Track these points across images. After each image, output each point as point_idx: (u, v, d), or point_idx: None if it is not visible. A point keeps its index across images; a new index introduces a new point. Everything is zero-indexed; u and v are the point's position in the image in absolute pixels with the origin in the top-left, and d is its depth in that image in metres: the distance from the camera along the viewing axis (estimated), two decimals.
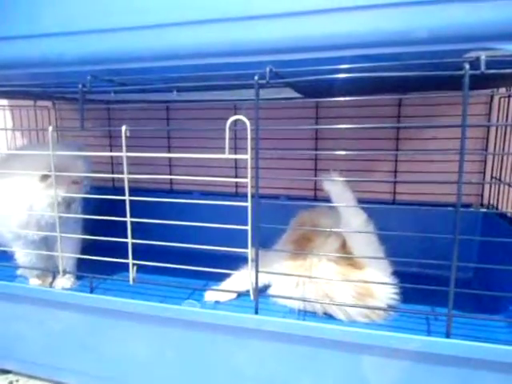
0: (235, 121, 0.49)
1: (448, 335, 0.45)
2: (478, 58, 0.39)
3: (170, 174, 1.17)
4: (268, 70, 0.46)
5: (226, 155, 0.48)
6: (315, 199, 1.08)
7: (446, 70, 0.44)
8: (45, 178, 0.71)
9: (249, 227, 0.49)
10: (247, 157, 0.48)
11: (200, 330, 0.53)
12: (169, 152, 1.17)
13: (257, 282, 0.52)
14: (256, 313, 0.52)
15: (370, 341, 0.47)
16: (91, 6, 0.50)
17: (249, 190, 0.49)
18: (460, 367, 0.45)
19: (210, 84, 0.53)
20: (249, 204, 0.48)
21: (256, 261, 0.52)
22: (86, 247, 0.84)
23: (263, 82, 0.46)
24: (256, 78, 0.47)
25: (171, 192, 1.18)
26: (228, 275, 0.69)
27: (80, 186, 0.76)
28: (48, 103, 1.22)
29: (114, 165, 1.18)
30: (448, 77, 0.43)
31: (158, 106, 1.12)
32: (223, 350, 0.54)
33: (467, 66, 0.40)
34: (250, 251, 0.51)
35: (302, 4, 0.43)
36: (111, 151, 1.17)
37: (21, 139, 1.30)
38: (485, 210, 0.92)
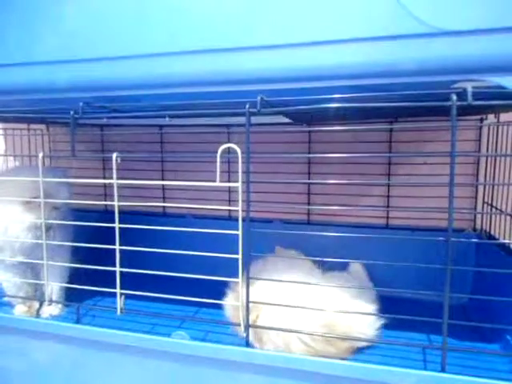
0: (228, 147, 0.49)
1: (443, 369, 0.44)
2: (464, 90, 0.40)
3: (164, 196, 1.16)
4: (259, 98, 0.46)
5: (217, 183, 0.48)
6: (308, 223, 1.08)
7: (435, 99, 0.45)
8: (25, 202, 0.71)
9: (239, 256, 0.49)
10: (238, 185, 0.47)
11: (189, 362, 0.51)
12: (162, 174, 1.17)
13: (247, 314, 0.51)
14: (247, 345, 0.50)
15: (368, 376, 0.46)
16: (83, 36, 0.51)
17: (240, 220, 0.48)
18: None
19: (202, 112, 0.53)
20: (239, 233, 0.48)
21: (247, 291, 0.50)
22: (78, 273, 0.82)
23: (254, 110, 0.47)
24: (247, 106, 0.47)
25: (164, 215, 1.17)
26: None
27: (59, 212, 0.75)
28: (42, 126, 1.22)
29: (107, 187, 1.17)
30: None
31: (151, 129, 1.12)
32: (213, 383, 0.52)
33: (454, 97, 0.41)
34: (240, 280, 0.50)
35: (294, 36, 0.44)
36: (104, 174, 1.17)
37: (13, 162, 1.30)
38: (476, 239, 0.92)
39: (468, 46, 0.39)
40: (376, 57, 0.42)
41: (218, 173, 0.47)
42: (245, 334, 0.51)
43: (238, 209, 0.48)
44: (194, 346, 0.50)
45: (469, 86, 0.40)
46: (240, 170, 0.47)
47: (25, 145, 1.19)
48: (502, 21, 0.39)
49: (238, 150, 0.47)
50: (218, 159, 0.46)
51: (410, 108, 0.47)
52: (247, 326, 0.50)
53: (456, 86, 0.44)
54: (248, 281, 0.50)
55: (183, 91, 0.50)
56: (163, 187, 1.17)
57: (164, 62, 0.49)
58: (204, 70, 0.48)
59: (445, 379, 0.43)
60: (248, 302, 0.50)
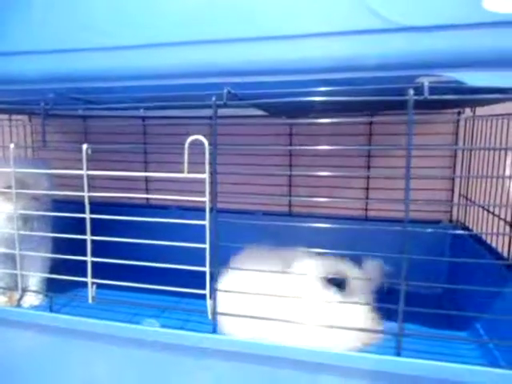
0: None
1: (399, 354, 0.46)
2: (422, 84, 0.41)
3: (147, 188, 1.17)
4: (226, 91, 0.47)
5: (185, 174, 0.49)
6: (290, 215, 1.10)
7: (398, 93, 0.46)
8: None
9: (207, 245, 0.50)
10: (205, 176, 0.48)
11: (159, 349, 0.52)
12: (145, 166, 1.17)
13: (215, 302, 0.52)
14: (214, 332, 0.52)
15: (330, 360, 0.48)
16: (53, 26, 0.51)
17: (207, 211, 0.49)
18: None
19: (174, 104, 0.54)
20: (207, 223, 0.49)
21: (216, 279, 0.52)
22: (59, 264, 0.83)
23: (220, 102, 0.47)
24: (213, 99, 0.48)
25: (148, 206, 1.18)
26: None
27: (39, 203, 0.75)
28: (24, 117, 1.22)
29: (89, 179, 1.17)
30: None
31: (134, 121, 1.12)
32: (182, 370, 0.53)
33: (411, 92, 0.42)
34: (207, 269, 0.51)
35: (259, 30, 0.45)
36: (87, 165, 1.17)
37: None
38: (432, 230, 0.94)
39: (426, 42, 0.40)
40: (337, 51, 0.43)
41: (185, 164, 0.48)
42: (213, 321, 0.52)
43: (206, 199, 0.49)
44: (160, 332, 0.51)
45: (426, 81, 0.41)
46: (207, 162, 0.48)
47: (6, 136, 1.18)
48: (459, 18, 0.40)
49: (206, 142, 0.48)
50: (186, 151, 0.47)
51: (373, 102, 0.49)
52: (214, 314, 0.52)
53: (418, 80, 0.45)
54: (216, 271, 0.51)
55: (153, 83, 0.51)
56: (146, 179, 1.18)
57: (133, 54, 0.50)
58: (172, 62, 0.49)
59: (398, 362, 0.45)
60: (215, 289, 0.51)
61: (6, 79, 0.54)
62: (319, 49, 0.43)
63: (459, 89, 0.43)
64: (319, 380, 0.49)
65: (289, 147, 0.98)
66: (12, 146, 0.56)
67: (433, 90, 0.42)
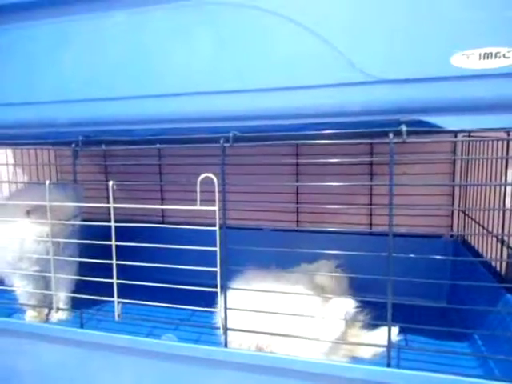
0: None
1: (389, 365, 0.52)
2: (400, 130, 0.48)
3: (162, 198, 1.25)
4: (231, 134, 0.54)
5: (198, 207, 0.56)
6: (297, 230, 1.16)
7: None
8: (32, 211, 0.78)
9: (217, 269, 0.57)
10: (215, 208, 0.56)
11: (177, 361, 0.59)
12: (160, 186, 1.25)
13: (226, 317, 0.59)
14: (225, 346, 0.59)
15: (325, 370, 0.54)
16: (79, 80, 0.59)
17: (217, 237, 0.56)
18: None
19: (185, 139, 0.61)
20: (217, 249, 0.56)
21: (225, 297, 0.59)
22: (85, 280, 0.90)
23: (227, 145, 0.55)
24: (221, 141, 0.55)
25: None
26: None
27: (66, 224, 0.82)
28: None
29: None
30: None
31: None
32: (197, 380, 0.60)
33: (391, 136, 0.48)
34: (219, 290, 0.58)
35: (259, 83, 0.52)
36: (107, 177, 1.28)
37: (22, 175, 1.39)
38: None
39: (401, 92, 0.47)
40: (326, 100, 0.50)
41: (198, 199, 0.55)
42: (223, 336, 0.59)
43: (216, 229, 0.56)
44: (177, 346, 0.58)
45: (403, 127, 0.47)
46: (217, 194, 0.56)
47: (32, 159, 1.28)
48: (431, 72, 0.47)
49: (215, 180, 0.55)
50: (198, 187, 0.54)
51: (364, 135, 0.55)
52: (225, 329, 0.58)
53: (404, 118, 0.52)
54: (225, 289, 0.58)
55: (168, 126, 0.59)
56: (162, 197, 1.26)
57: (152, 103, 0.58)
58: (185, 109, 0.57)
59: (387, 373, 0.50)
60: (226, 308, 0.58)
61: (41, 123, 0.63)
62: (311, 98, 0.51)
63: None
64: None
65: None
66: (47, 182, 0.64)
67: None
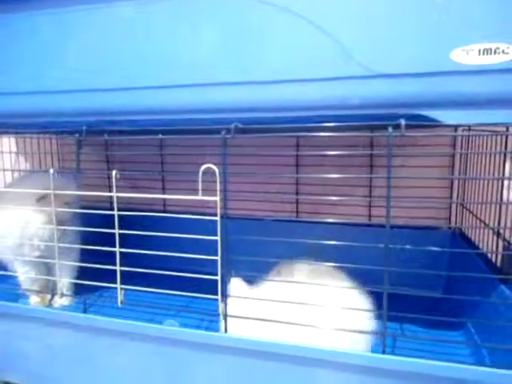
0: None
1: (383, 351, 0.54)
2: (399, 124, 0.48)
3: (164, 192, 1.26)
4: (233, 126, 0.55)
5: (200, 196, 0.57)
6: (298, 221, 1.17)
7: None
8: (40, 199, 0.80)
9: (218, 257, 0.58)
10: (216, 199, 0.57)
11: (178, 346, 0.61)
12: (162, 176, 1.26)
13: (226, 305, 0.61)
14: (225, 331, 0.61)
15: (324, 356, 0.56)
16: (84, 70, 0.60)
17: (218, 228, 0.57)
18: (395, 380, 0.53)
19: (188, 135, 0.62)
20: (218, 238, 0.57)
21: (225, 284, 0.60)
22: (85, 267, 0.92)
23: (229, 136, 0.56)
24: (223, 133, 0.56)
25: (165, 212, 1.27)
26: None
27: (70, 207, 0.83)
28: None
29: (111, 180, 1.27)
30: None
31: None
32: (198, 364, 0.62)
33: (390, 129, 0.49)
34: (219, 278, 0.60)
35: (260, 76, 0.53)
36: (108, 166, 1.28)
37: (24, 163, 1.40)
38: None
39: (399, 86, 0.48)
40: (327, 93, 0.51)
41: (200, 188, 0.56)
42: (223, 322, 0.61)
43: (217, 218, 0.57)
44: (178, 331, 0.60)
45: (402, 121, 0.48)
46: (218, 184, 0.57)
47: (35, 148, 1.29)
48: (431, 67, 0.48)
49: (217, 171, 0.56)
50: (200, 178, 0.56)
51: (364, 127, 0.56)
52: (225, 316, 0.60)
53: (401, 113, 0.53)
54: (223, 277, 0.60)
55: (172, 117, 0.60)
56: (163, 187, 1.27)
57: (156, 94, 0.59)
58: (189, 100, 0.58)
59: (382, 359, 0.52)
60: (226, 295, 0.60)
61: (47, 113, 0.64)
62: (311, 91, 0.51)
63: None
64: (315, 373, 0.57)
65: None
66: (51, 170, 0.65)
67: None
